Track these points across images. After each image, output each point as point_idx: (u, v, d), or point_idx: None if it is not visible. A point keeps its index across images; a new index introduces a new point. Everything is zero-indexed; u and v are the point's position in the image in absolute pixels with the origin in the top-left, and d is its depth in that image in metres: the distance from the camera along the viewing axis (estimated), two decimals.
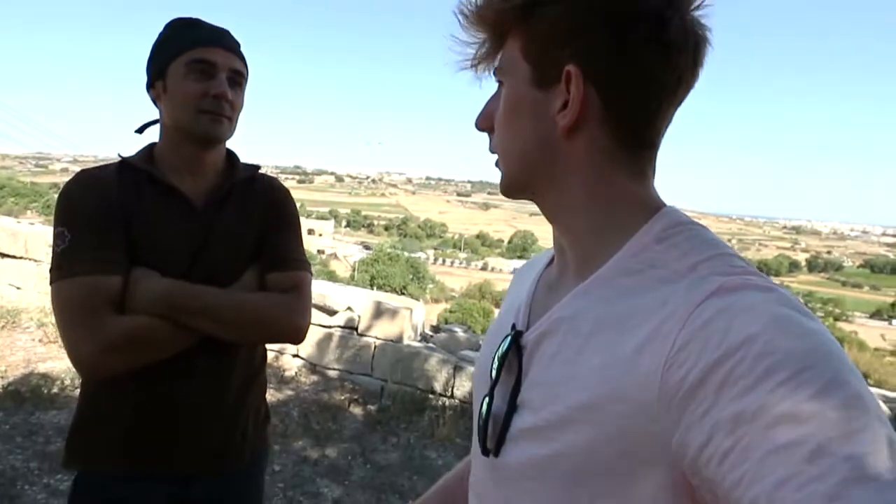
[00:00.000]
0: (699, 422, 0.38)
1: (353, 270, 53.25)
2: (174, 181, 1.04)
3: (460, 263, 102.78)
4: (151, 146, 1.09)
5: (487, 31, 0.55)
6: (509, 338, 0.56)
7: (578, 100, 0.49)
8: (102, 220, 0.97)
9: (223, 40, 1.05)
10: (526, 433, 0.51)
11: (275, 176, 1.25)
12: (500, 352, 0.57)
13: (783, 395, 0.35)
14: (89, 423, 1.06)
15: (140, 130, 1.10)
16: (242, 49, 1.10)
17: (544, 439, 0.49)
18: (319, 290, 4.49)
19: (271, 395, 3.90)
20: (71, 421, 1.09)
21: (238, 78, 1.06)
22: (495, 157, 0.58)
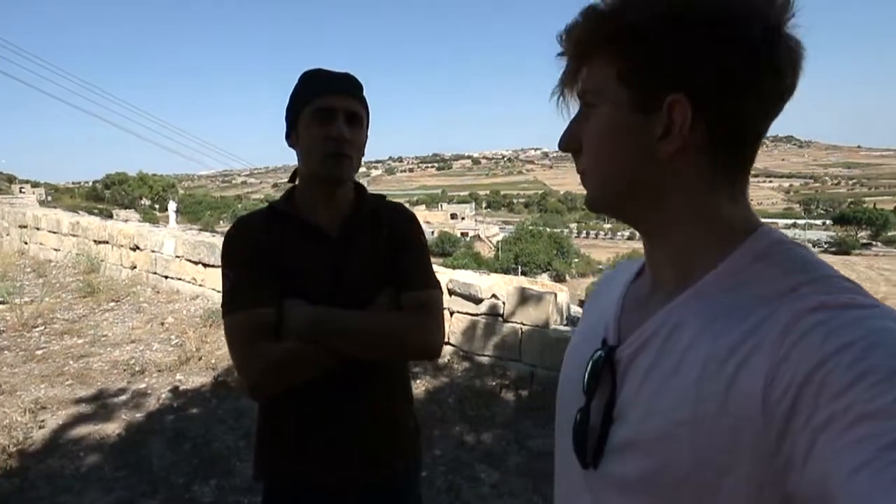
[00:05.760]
0: (801, 431, 0.39)
1: (497, 250, 53.93)
2: (311, 217, 1.17)
3: (605, 235, 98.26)
4: (292, 189, 1.23)
5: (573, 54, 0.55)
6: (601, 353, 0.57)
7: (685, 129, 0.49)
8: (255, 261, 1.12)
9: (340, 86, 1.15)
10: (625, 447, 0.52)
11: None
12: (592, 366, 0.57)
13: (870, 396, 0.36)
14: (263, 439, 1.21)
15: (292, 179, 1.24)
16: (365, 90, 1.19)
17: (646, 453, 0.50)
18: (464, 279, 4.65)
19: (428, 382, 4.15)
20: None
21: (356, 118, 1.15)
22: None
